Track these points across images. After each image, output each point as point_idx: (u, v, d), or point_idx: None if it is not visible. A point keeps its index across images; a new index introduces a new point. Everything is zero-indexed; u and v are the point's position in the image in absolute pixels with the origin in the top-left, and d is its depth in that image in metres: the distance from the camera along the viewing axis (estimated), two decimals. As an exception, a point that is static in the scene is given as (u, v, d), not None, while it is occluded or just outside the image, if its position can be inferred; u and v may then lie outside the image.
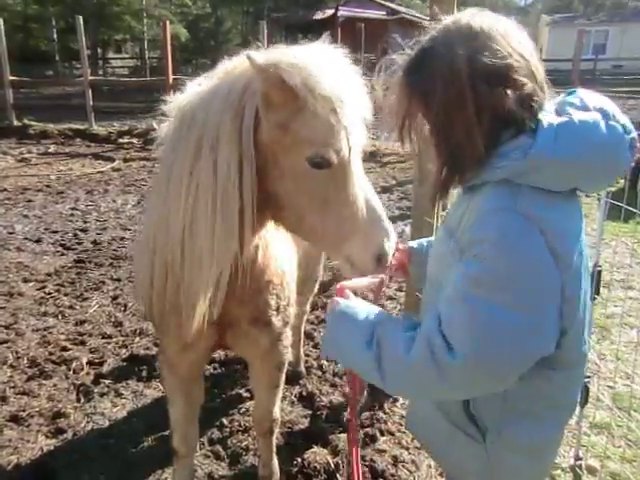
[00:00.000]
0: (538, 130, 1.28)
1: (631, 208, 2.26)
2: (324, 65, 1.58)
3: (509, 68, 1.28)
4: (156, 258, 1.79)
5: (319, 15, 30.30)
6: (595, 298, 2.42)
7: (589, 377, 2.51)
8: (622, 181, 8.11)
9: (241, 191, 1.60)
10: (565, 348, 1.38)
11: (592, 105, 1.33)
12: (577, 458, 2.58)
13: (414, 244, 1.99)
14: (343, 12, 28.44)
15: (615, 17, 38.75)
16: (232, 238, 1.64)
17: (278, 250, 2.15)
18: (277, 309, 2.18)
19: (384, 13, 31.76)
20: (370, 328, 1.42)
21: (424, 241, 1.99)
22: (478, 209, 1.35)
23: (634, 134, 1.34)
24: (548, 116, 1.31)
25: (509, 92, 1.27)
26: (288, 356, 2.42)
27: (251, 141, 1.59)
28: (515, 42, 1.31)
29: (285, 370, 2.47)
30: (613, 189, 2.52)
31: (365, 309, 1.50)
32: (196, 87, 1.75)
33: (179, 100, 1.76)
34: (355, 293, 1.67)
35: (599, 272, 2.38)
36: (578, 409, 2.64)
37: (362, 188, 1.69)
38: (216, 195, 1.59)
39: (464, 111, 1.30)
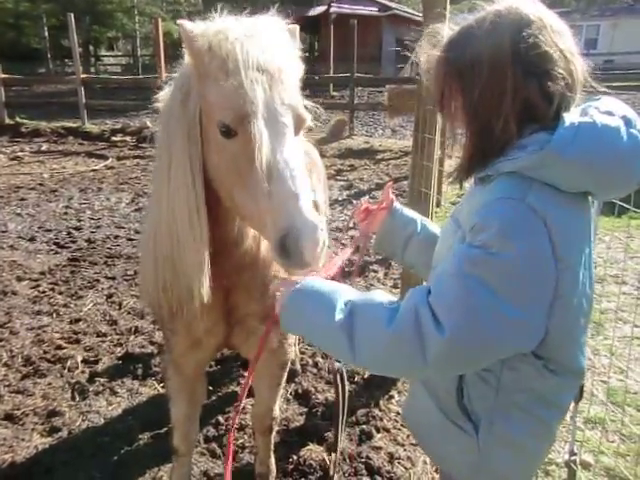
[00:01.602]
0: (558, 128, 1.27)
1: (624, 204, 2.26)
2: (239, 29, 1.55)
3: (549, 63, 1.29)
4: (157, 252, 1.79)
5: (312, 12, 30.22)
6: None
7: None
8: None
9: (192, 170, 1.61)
10: (557, 348, 1.39)
11: (618, 111, 1.32)
12: (571, 453, 2.59)
13: (399, 207, 1.99)
14: (335, 9, 28.38)
15: (606, 12, 38.79)
16: (195, 215, 1.63)
17: None
18: None
19: (376, 9, 31.68)
20: (343, 298, 1.37)
21: (417, 217, 1.98)
22: (486, 198, 1.35)
23: None
24: (572, 116, 1.30)
25: (543, 86, 1.29)
26: (291, 355, 2.42)
27: (196, 119, 1.60)
28: (561, 39, 1.31)
29: (287, 369, 2.47)
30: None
31: (337, 285, 1.45)
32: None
33: (162, 95, 1.80)
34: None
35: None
36: (572, 404, 2.64)
37: (274, 158, 1.48)
38: (173, 178, 1.62)
39: (502, 95, 1.31)
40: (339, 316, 1.34)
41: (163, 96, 1.78)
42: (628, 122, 1.30)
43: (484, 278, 1.25)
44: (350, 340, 1.32)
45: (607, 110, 1.32)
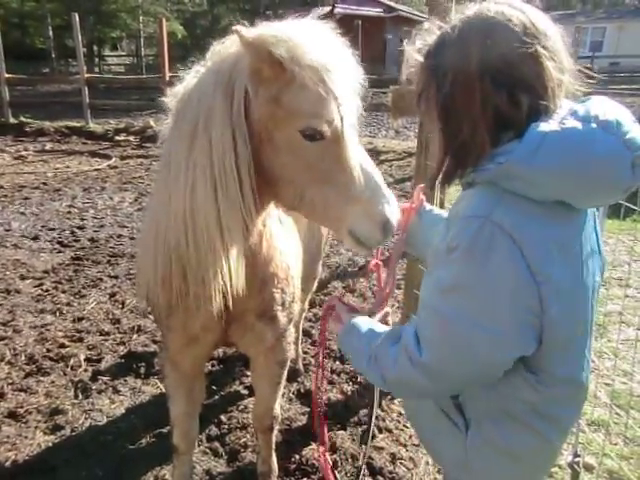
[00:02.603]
0: (524, 138, 1.24)
1: (632, 205, 2.24)
2: (310, 36, 1.59)
3: (518, 71, 1.25)
4: (159, 244, 1.78)
5: (316, 13, 30.26)
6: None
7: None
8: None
9: (238, 167, 1.62)
10: (548, 360, 1.37)
11: (598, 115, 1.25)
12: (575, 455, 2.58)
13: (428, 207, 1.98)
14: (340, 9, 28.41)
15: (613, 14, 38.76)
16: (237, 211, 1.65)
17: (283, 244, 2.16)
18: (282, 304, 2.18)
19: (381, 10, 31.74)
20: (367, 347, 1.52)
21: (437, 211, 1.98)
22: (461, 213, 1.36)
23: None
24: (542, 124, 1.25)
25: (513, 95, 1.26)
26: (291, 353, 2.43)
27: (242, 118, 1.61)
28: (540, 42, 1.25)
29: (287, 367, 2.48)
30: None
31: (363, 327, 1.60)
32: (191, 76, 1.76)
33: (176, 91, 1.78)
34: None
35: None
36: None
37: (358, 158, 1.67)
38: (214, 174, 1.61)
39: (471, 105, 1.29)
40: (369, 356, 1.51)
41: (179, 90, 1.77)
42: (608, 127, 1.23)
43: (454, 304, 1.30)
44: (383, 379, 1.48)
45: (585, 115, 1.26)
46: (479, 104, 1.28)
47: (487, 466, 1.50)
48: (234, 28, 1.52)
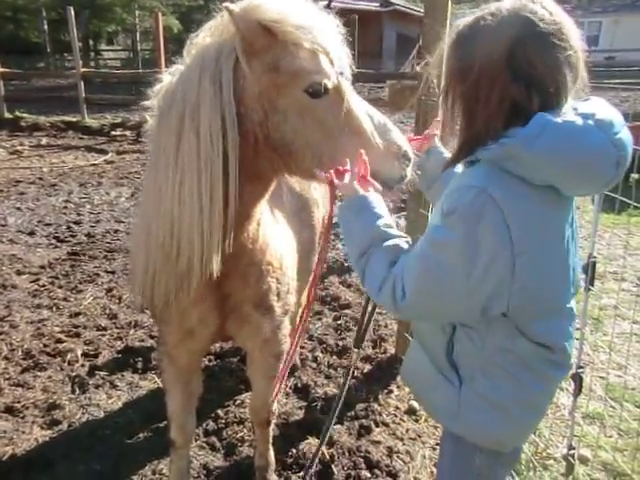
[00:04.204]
0: (529, 124, 1.36)
1: (626, 199, 2.26)
2: (290, 2, 1.66)
3: (537, 70, 1.36)
4: (151, 242, 1.77)
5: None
6: (590, 289, 2.44)
7: (582, 368, 2.53)
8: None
9: (226, 154, 1.63)
10: (525, 325, 1.51)
11: (595, 114, 1.38)
12: (570, 448, 2.60)
13: (438, 146, 2.11)
14: (337, 3, 28.30)
15: (608, 8, 38.70)
16: (217, 202, 1.64)
17: (277, 233, 2.17)
18: (278, 295, 2.19)
19: (378, 5, 31.59)
20: (368, 242, 1.60)
21: (447, 154, 2.07)
22: (463, 181, 1.49)
23: (625, 153, 1.39)
24: (547, 115, 1.36)
25: (529, 90, 1.37)
26: (286, 346, 2.43)
27: (232, 101, 1.62)
28: (562, 43, 1.35)
29: (283, 360, 2.48)
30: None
31: (373, 210, 1.63)
32: (172, 73, 1.77)
33: (157, 89, 1.79)
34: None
35: (594, 263, 2.39)
36: (571, 399, 2.66)
37: (362, 106, 1.77)
38: (200, 166, 1.62)
39: (491, 95, 1.40)
40: (363, 252, 1.60)
41: (160, 88, 1.77)
42: (602, 125, 1.36)
43: (441, 259, 1.43)
44: (362, 274, 1.62)
45: (584, 112, 1.39)
46: (499, 96, 1.39)
47: (478, 418, 1.61)
48: (224, 5, 1.55)
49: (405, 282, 1.49)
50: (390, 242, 1.59)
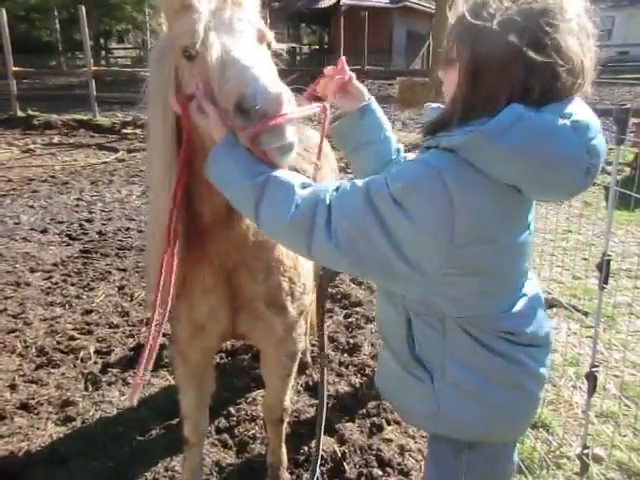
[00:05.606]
0: (500, 114, 1.24)
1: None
2: None
3: (555, 56, 1.25)
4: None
5: (322, 4, 30.09)
6: (604, 287, 2.41)
7: (596, 366, 2.51)
8: (628, 169, 8.08)
9: (164, 134, 1.67)
10: (471, 307, 1.43)
11: (572, 114, 1.27)
12: (584, 447, 2.58)
13: (374, 107, 1.85)
14: (346, 1, 28.24)
15: (622, 2, 38.26)
16: (167, 181, 1.67)
17: None
18: (292, 295, 2.17)
19: (388, 1, 31.49)
20: (263, 169, 1.42)
21: (385, 128, 1.90)
22: (419, 156, 1.40)
23: (597, 161, 1.29)
24: (521, 106, 1.25)
25: (529, 81, 1.26)
26: (301, 345, 2.42)
27: (172, 80, 1.64)
28: (579, 34, 1.28)
29: (297, 360, 2.46)
30: (619, 177, 2.49)
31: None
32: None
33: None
34: None
35: (608, 261, 2.37)
36: (585, 398, 2.64)
37: (232, 50, 1.48)
38: (151, 145, 1.70)
39: (500, 71, 1.27)
40: (255, 180, 1.40)
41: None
42: (577, 127, 1.25)
43: (384, 217, 1.31)
44: (256, 209, 1.41)
45: (562, 112, 1.27)
46: (505, 78, 1.27)
47: (457, 410, 1.51)
48: None
49: (335, 214, 1.34)
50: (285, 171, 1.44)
